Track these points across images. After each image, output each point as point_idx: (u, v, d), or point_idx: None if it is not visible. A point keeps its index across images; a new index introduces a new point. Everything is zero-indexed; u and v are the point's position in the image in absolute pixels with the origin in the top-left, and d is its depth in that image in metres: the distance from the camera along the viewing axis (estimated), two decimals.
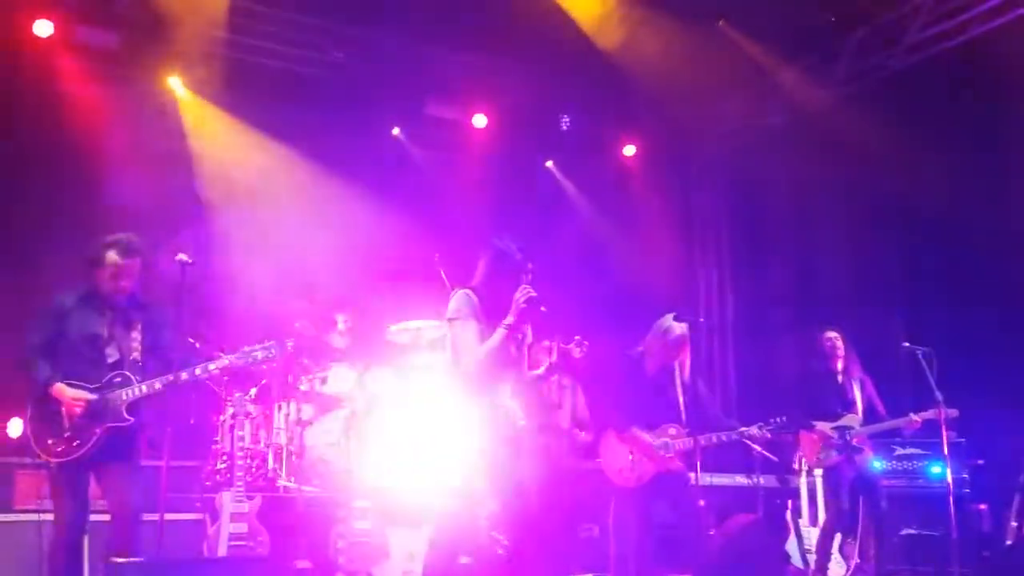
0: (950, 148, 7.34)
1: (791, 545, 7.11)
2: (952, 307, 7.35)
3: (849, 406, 6.52)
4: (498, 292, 4.14)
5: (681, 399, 5.53)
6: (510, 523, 4.21)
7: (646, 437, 5.46)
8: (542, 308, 4.08)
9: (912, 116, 7.65)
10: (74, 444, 4.33)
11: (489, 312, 4.15)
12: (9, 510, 5.70)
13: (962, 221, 7.34)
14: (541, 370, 7.22)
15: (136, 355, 4.47)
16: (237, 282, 7.45)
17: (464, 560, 5.92)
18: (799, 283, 9.17)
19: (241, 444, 6.03)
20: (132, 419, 4.38)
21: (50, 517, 4.95)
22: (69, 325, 4.44)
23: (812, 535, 7.09)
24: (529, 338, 4.32)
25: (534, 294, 4.05)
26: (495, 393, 4.22)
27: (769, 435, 5.67)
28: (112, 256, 4.44)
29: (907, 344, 6.40)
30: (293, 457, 6.83)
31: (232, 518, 5.73)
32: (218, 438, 6.74)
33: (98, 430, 4.34)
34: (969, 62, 7.61)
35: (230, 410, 6.45)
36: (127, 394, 4.40)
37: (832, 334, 6.66)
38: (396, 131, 9.09)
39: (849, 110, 8.35)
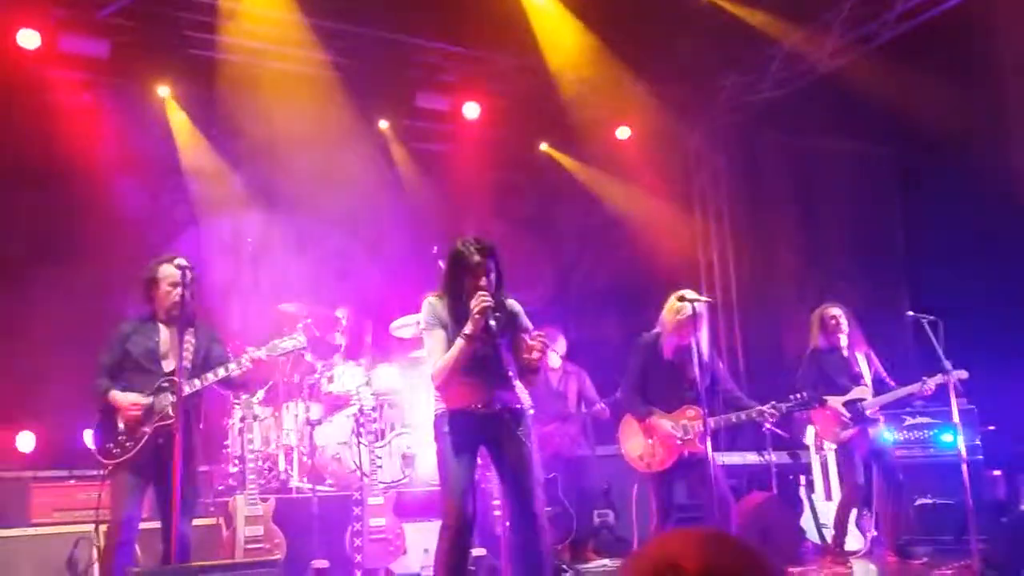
0: (947, 116, 7.30)
1: (806, 520, 7.11)
2: (957, 274, 7.33)
3: (857, 379, 6.50)
4: (461, 294, 4.14)
5: (699, 379, 5.45)
6: (523, 513, 4.17)
7: (665, 424, 5.38)
8: (497, 315, 4.06)
9: (907, 84, 7.61)
10: (127, 445, 4.59)
11: (460, 314, 4.14)
12: (25, 524, 5.70)
13: (963, 187, 7.32)
14: (557, 364, 7.31)
15: (187, 364, 4.68)
16: (238, 285, 7.45)
17: (477, 552, 5.99)
18: (803, 258, 9.15)
19: (251, 447, 6.01)
20: (173, 417, 4.52)
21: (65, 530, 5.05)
22: (131, 346, 4.75)
23: (827, 510, 7.09)
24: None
25: (489, 303, 4.03)
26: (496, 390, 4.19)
27: (785, 412, 5.56)
28: (165, 269, 4.74)
29: (912, 313, 6.38)
30: (304, 457, 6.83)
31: (247, 521, 5.72)
32: (228, 442, 6.74)
33: (147, 429, 4.59)
34: (960, 27, 7.56)
35: (238, 413, 6.43)
36: (170, 397, 4.61)
37: (835, 310, 6.63)
38: (384, 124, 9.03)
39: (843, 81, 8.30)
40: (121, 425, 4.61)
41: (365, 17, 8.06)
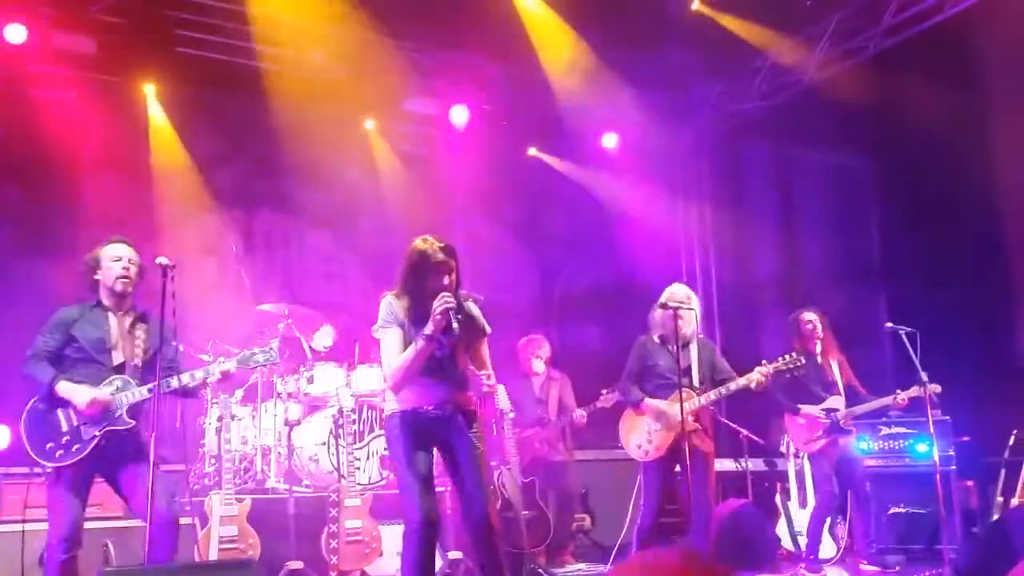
0: (927, 129, 7.37)
1: (781, 528, 7.16)
2: (933, 286, 7.40)
3: (830, 387, 6.55)
4: (423, 294, 4.10)
5: (695, 365, 5.52)
6: (472, 515, 4.19)
7: (661, 404, 5.49)
8: (458, 317, 4.05)
9: (890, 99, 7.68)
10: (73, 448, 4.26)
11: (419, 314, 4.11)
12: None
13: (941, 201, 7.39)
14: (542, 369, 7.33)
15: (138, 361, 4.46)
16: (221, 285, 7.44)
17: (453, 555, 6.00)
18: (784, 266, 9.22)
19: (228, 446, 6.00)
20: (133, 423, 4.34)
21: (37, 527, 4.96)
22: (76, 332, 4.43)
23: (802, 518, 7.14)
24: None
25: (451, 303, 4.00)
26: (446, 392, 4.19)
27: (773, 372, 5.55)
28: (107, 249, 4.50)
29: (890, 324, 6.43)
30: (282, 458, 6.82)
31: (222, 521, 5.71)
32: (205, 441, 6.73)
33: (97, 433, 4.27)
34: (946, 43, 7.64)
35: (216, 412, 6.42)
36: (126, 398, 4.37)
37: (810, 316, 6.68)
38: (370, 125, 9.04)
39: (828, 94, 8.37)
40: (65, 424, 4.27)
41: (355, 19, 8.07)
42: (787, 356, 5.61)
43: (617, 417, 5.90)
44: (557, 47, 8.44)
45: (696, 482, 5.23)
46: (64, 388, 4.30)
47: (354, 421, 6.49)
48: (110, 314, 4.50)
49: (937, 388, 6.07)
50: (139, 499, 4.28)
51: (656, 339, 5.71)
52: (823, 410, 6.47)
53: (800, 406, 6.48)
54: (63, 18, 7.42)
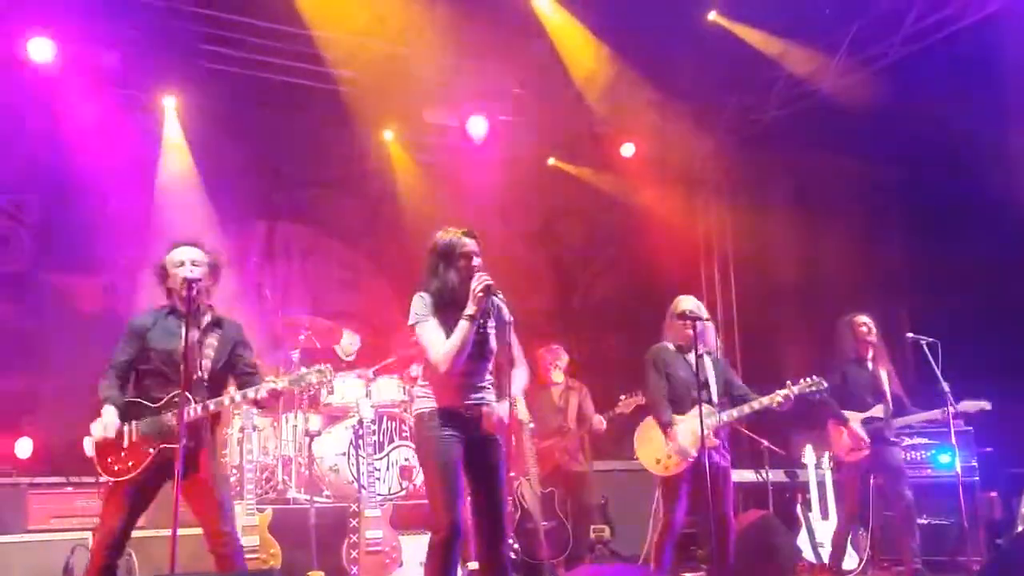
0: (949, 136, 7.33)
1: (802, 539, 7.11)
2: (956, 294, 7.34)
3: (879, 396, 6.35)
4: (453, 285, 4.13)
5: (712, 379, 5.41)
6: (491, 520, 4.17)
7: (684, 440, 5.31)
8: (498, 294, 4.11)
9: (911, 106, 7.64)
10: (128, 464, 4.27)
11: (449, 307, 4.13)
12: (22, 530, 5.73)
13: (964, 208, 7.33)
14: (560, 379, 7.33)
15: (204, 373, 4.39)
16: (242, 296, 7.49)
17: (472, 566, 6.00)
18: (804, 275, 9.16)
19: (250, 457, 6.04)
20: (188, 443, 4.21)
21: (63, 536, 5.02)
22: (150, 342, 4.38)
23: (823, 529, 7.10)
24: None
25: (490, 281, 4.06)
26: (478, 392, 4.21)
27: (797, 394, 5.38)
28: (171, 255, 4.43)
29: (912, 334, 6.38)
30: (302, 468, 6.86)
31: (244, 531, 5.72)
32: (226, 451, 6.77)
33: (152, 451, 4.28)
34: (967, 49, 7.60)
35: (237, 423, 6.46)
36: (186, 415, 4.26)
37: (865, 319, 6.43)
38: (389, 136, 9.09)
39: (849, 101, 8.34)
40: (126, 439, 4.29)
41: (372, 31, 8.14)
42: (810, 378, 5.47)
43: (636, 424, 5.82)
44: (577, 57, 8.46)
45: (715, 497, 5.17)
46: (105, 412, 4.30)
47: (374, 432, 6.51)
48: (181, 322, 4.37)
49: (986, 405, 5.97)
50: (203, 514, 4.33)
51: (672, 347, 5.56)
52: (867, 420, 6.26)
53: (847, 413, 6.30)
54: (89, 33, 7.51)
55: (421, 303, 4.18)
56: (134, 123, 7.81)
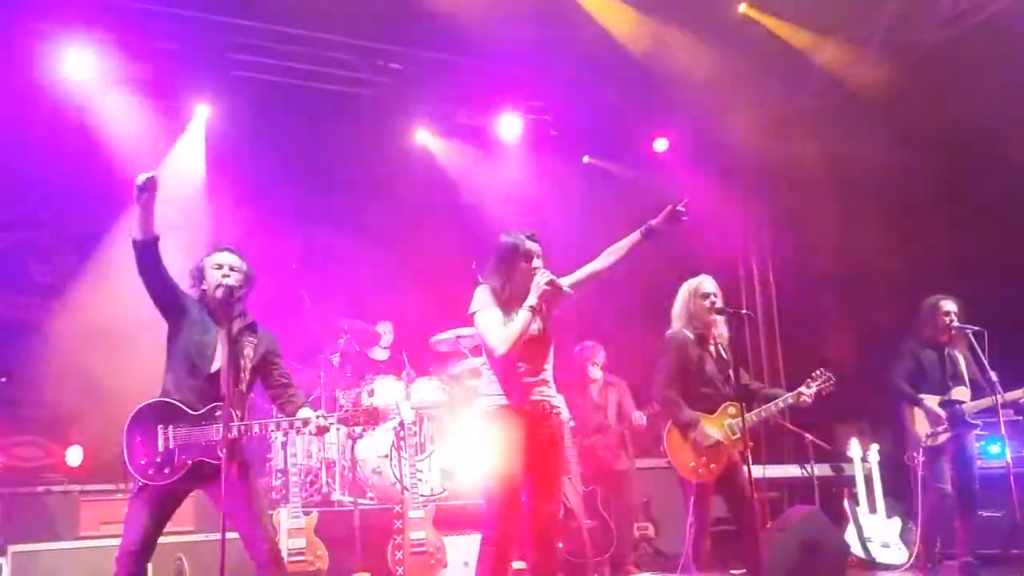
0: (989, 122, 7.19)
1: (850, 534, 7.02)
2: (1000, 283, 7.20)
3: (958, 379, 6.24)
4: (515, 283, 4.29)
5: (731, 371, 5.32)
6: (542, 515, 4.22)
7: (713, 433, 5.22)
8: (563, 288, 4.25)
9: (949, 92, 7.51)
10: (164, 471, 4.22)
11: (509, 304, 4.29)
12: (74, 536, 5.84)
13: (1006, 196, 7.20)
14: (598, 376, 7.32)
15: (243, 386, 4.36)
16: (281, 299, 7.55)
17: (518, 566, 6.00)
18: (844, 267, 9.05)
19: (294, 460, 6.10)
20: (223, 457, 4.15)
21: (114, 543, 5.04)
22: (188, 331, 4.33)
23: (871, 523, 7.01)
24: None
25: (553, 276, 4.23)
26: (539, 387, 4.29)
27: (815, 389, 5.32)
28: (210, 260, 4.43)
29: (957, 324, 6.28)
30: (346, 471, 6.91)
31: (290, 534, 5.80)
32: (271, 455, 6.85)
33: (189, 462, 4.23)
34: (1006, 32, 7.45)
35: (277, 431, 6.51)
36: (218, 432, 4.20)
37: (951, 305, 6.31)
38: (423, 136, 9.12)
39: (884, 90, 8.22)
40: (161, 444, 4.20)
41: (404, 36, 8.18)
42: (819, 371, 5.38)
43: None
44: (608, 53, 8.41)
45: (743, 495, 5.09)
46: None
47: (415, 433, 6.55)
48: (216, 325, 4.37)
49: None
50: (240, 523, 4.27)
51: (691, 336, 5.33)
52: (946, 401, 6.17)
53: (923, 397, 6.19)
54: (123, 45, 7.63)
55: (484, 293, 4.34)
56: (171, 132, 7.91)
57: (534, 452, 4.26)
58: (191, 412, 4.27)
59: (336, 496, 6.83)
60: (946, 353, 6.31)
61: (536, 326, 4.29)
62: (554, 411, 4.37)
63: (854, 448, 7.33)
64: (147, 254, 4.24)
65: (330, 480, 6.97)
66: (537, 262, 4.34)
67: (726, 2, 8.16)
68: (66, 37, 7.35)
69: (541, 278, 4.23)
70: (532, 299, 4.21)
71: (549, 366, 4.41)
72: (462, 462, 6.88)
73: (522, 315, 4.20)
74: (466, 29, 7.83)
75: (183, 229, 7.04)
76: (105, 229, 7.57)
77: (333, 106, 8.51)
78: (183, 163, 8.00)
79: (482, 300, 4.33)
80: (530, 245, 4.37)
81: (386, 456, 6.81)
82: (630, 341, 8.75)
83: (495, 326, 4.25)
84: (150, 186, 4.11)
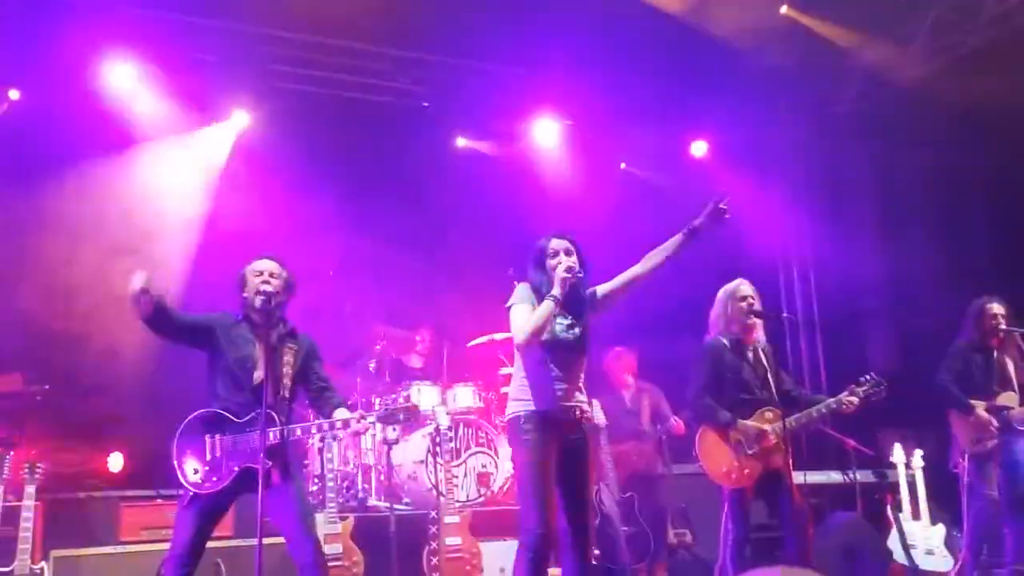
0: None
1: (893, 541, 6.88)
2: None
3: (1006, 384, 6.09)
4: (550, 280, 4.27)
5: (770, 375, 5.20)
6: (576, 523, 4.21)
7: (754, 425, 5.13)
8: (580, 274, 4.26)
9: (995, 93, 7.36)
10: (212, 479, 4.30)
11: (544, 296, 4.27)
12: (115, 542, 5.92)
13: None
14: (631, 381, 7.27)
15: (285, 392, 4.44)
16: (319, 307, 7.61)
17: (554, 572, 5.96)
18: (888, 271, 8.90)
19: (330, 466, 6.13)
20: (270, 463, 4.26)
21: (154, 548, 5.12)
22: (226, 343, 4.43)
23: (915, 530, 6.86)
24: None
25: (572, 263, 4.25)
26: (573, 392, 4.28)
27: (863, 396, 5.19)
28: (251, 267, 4.53)
29: (1004, 327, 6.14)
30: (382, 476, 6.93)
31: (327, 539, 5.81)
32: (308, 461, 6.89)
33: (236, 468, 4.30)
34: None
35: (318, 433, 6.56)
36: (268, 436, 4.28)
37: (998, 309, 6.15)
38: (460, 143, 9.13)
39: (929, 90, 8.08)
40: (209, 452, 4.30)
41: (440, 45, 8.22)
42: (869, 376, 5.26)
43: None
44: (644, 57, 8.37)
45: (789, 502, 5.00)
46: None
47: (451, 439, 6.55)
48: (255, 333, 4.45)
49: None
50: (286, 526, 4.35)
51: (727, 343, 5.27)
52: (993, 406, 6.02)
53: (972, 401, 6.06)
54: (166, 58, 7.76)
55: (521, 290, 4.38)
56: (213, 141, 8.03)
57: (565, 457, 4.24)
58: (236, 420, 4.35)
59: (372, 501, 6.85)
60: (994, 357, 6.16)
61: (573, 333, 4.28)
62: (585, 416, 4.34)
63: (897, 453, 7.17)
64: (155, 325, 4.40)
65: (366, 485, 7.00)
66: (563, 257, 4.30)
67: (768, 3, 8.07)
68: (110, 50, 7.48)
69: (561, 268, 4.24)
70: (556, 289, 4.21)
71: (583, 373, 4.38)
72: (498, 467, 6.87)
73: (545, 304, 4.20)
74: (503, 36, 7.87)
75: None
76: (135, 233, 7.68)
77: (371, 115, 8.57)
78: (224, 169, 8.10)
79: (519, 295, 4.35)
80: (556, 242, 4.37)
81: (422, 462, 6.82)
82: (667, 346, 8.69)
83: (521, 317, 4.26)
84: (138, 297, 4.26)
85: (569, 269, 4.23)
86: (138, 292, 4.26)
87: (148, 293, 4.28)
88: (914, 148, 8.45)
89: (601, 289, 4.43)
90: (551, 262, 4.31)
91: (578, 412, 4.30)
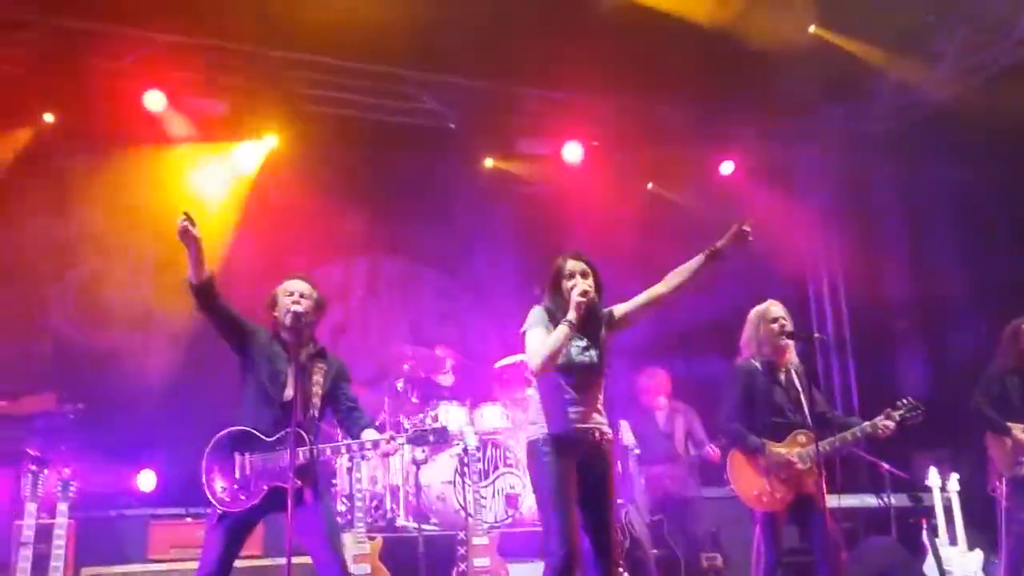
0: None
1: (929, 566, 6.76)
2: None
3: None
4: (566, 303, 4.20)
5: (804, 399, 5.13)
6: (599, 546, 4.14)
7: (781, 454, 5.06)
8: (595, 299, 4.19)
9: (1022, 112, 7.29)
10: (240, 498, 4.30)
11: (562, 318, 4.20)
12: (144, 560, 5.94)
13: None
14: (664, 403, 7.21)
15: (315, 411, 4.45)
16: (347, 327, 7.64)
17: None
18: (918, 289, 8.80)
19: (359, 486, 6.12)
20: (299, 483, 4.23)
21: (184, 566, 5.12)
22: (260, 360, 4.45)
23: (951, 555, 6.73)
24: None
25: (587, 287, 4.17)
26: (591, 415, 4.22)
27: (899, 420, 5.08)
28: (283, 287, 4.55)
29: None
30: (410, 497, 6.91)
31: (355, 560, 5.79)
32: (336, 480, 6.88)
33: (265, 487, 4.30)
34: None
35: (347, 453, 6.56)
36: (298, 456, 4.26)
37: None
38: (489, 163, 9.16)
39: (959, 109, 8.02)
40: (239, 471, 4.29)
41: (466, 68, 8.26)
42: (906, 400, 5.17)
43: None
44: (670, 77, 8.36)
45: (821, 526, 4.90)
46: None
47: (479, 459, 6.52)
48: (287, 353, 4.46)
49: None
50: (314, 546, 4.34)
51: (759, 365, 5.22)
52: None
53: (1011, 425, 5.97)
54: (196, 83, 7.86)
55: (536, 313, 4.31)
56: (243, 161, 8.11)
57: (585, 479, 4.19)
58: (265, 439, 4.36)
59: (400, 522, 6.83)
60: None
61: (589, 355, 4.22)
62: (605, 438, 4.27)
63: (933, 477, 7.05)
64: (201, 296, 4.39)
65: (395, 506, 6.98)
66: (579, 279, 4.22)
67: (797, 22, 8.05)
68: (140, 74, 7.60)
69: (577, 293, 4.16)
70: (571, 314, 4.13)
71: (601, 395, 4.32)
72: (526, 488, 6.82)
73: (560, 329, 4.13)
74: (529, 59, 7.89)
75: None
76: (165, 255, 7.75)
77: (399, 137, 8.61)
78: (253, 189, 8.18)
79: (533, 319, 4.29)
80: (571, 264, 4.29)
81: (450, 482, 6.80)
82: (699, 367, 8.64)
83: (536, 341, 4.21)
84: (184, 231, 4.29)
85: (584, 293, 4.15)
86: (186, 224, 4.27)
87: (195, 227, 4.30)
88: (944, 167, 8.38)
89: (619, 309, 4.38)
90: (567, 284, 4.24)
91: (597, 434, 4.23)
